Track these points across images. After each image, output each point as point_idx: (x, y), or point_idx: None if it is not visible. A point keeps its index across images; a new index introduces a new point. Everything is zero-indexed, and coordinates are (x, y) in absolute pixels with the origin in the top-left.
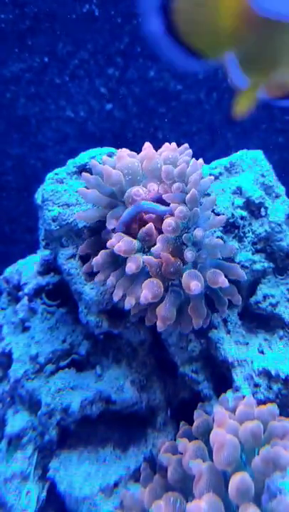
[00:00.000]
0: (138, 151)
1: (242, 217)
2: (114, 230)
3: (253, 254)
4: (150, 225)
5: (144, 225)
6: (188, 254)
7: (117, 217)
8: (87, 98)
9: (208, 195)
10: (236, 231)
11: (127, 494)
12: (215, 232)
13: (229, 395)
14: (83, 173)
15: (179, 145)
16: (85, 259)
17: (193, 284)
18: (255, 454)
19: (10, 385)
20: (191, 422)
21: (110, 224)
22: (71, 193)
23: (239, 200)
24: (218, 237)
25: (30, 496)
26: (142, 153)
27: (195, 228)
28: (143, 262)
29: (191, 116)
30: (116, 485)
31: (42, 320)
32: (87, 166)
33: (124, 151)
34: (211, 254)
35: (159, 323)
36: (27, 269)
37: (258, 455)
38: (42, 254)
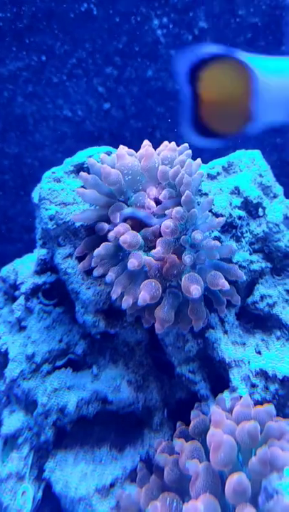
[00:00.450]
0: (136, 150)
1: (240, 217)
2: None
3: (250, 254)
4: (157, 226)
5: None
6: (187, 258)
7: (119, 210)
8: (85, 97)
9: (206, 195)
10: (234, 231)
11: (123, 495)
12: (213, 232)
13: (226, 395)
14: (81, 173)
15: (177, 145)
16: (82, 259)
17: (194, 288)
18: (252, 454)
19: (6, 384)
20: (187, 422)
21: (115, 218)
22: (68, 191)
23: (237, 200)
24: (215, 236)
25: (26, 496)
26: (140, 151)
27: (193, 230)
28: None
29: None
30: (112, 485)
31: (38, 319)
32: (85, 165)
33: (123, 149)
34: (209, 255)
35: (157, 326)
36: (24, 269)
37: (254, 456)
38: (39, 253)
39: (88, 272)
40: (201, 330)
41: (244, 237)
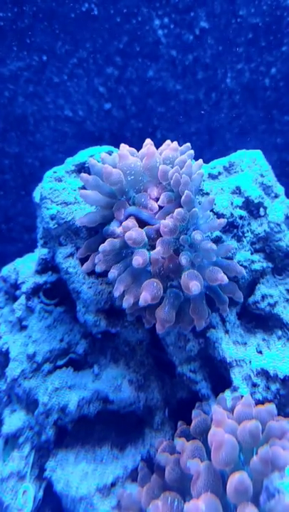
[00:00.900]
0: (137, 150)
1: (241, 217)
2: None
3: (251, 254)
4: (159, 225)
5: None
6: (183, 259)
7: (124, 207)
8: (86, 97)
9: (208, 194)
10: (235, 231)
11: (125, 494)
12: (214, 231)
13: (227, 394)
14: (82, 174)
15: (179, 145)
16: (83, 259)
17: (193, 284)
18: (254, 453)
19: (7, 384)
20: (188, 421)
21: (120, 215)
22: (70, 191)
23: (238, 200)
24: (217, 236)
25: (27, 495)
26: (142, 150)
27: (194, 229)
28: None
29: (189, 116)
30: (113, 485)
31: (39, 319)
32: (86, 165)
33: (125, 148)
34: (206, 257)
35: (158, 326)
36: (25, 268)
37: (256, 455)
38: (40, 252)
39: (89, 272)
40: (203, 329)
41: (245, 237)
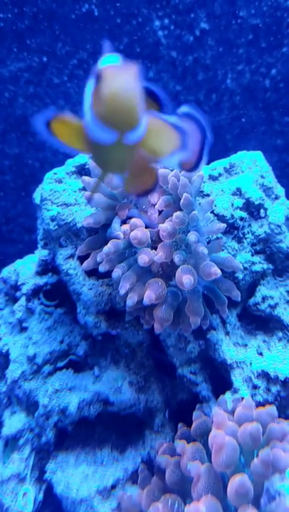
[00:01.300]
0: None
1: (241, 218)
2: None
3: (252, 255)
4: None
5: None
6: (176, 257)
7: (127, 208)
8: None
9: (208, 196)
10: (236, 232)
11: (125, 496)
12: None
13: (228, 396)
14: (83, 177)
15: None
16: (83, 259)
17: (185, 278)
18: (254, 456)
19: (7, 385)
20: (189, 423)
21: (123, 215)
22: (70, 192)
23: (239, 201)
24: (217, 237)
25: (27, 497)
26: None
27: (194, 230)
28: None
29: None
30: (113, 487)
31: (40, 320)
32: (86, 166)
33: None
34: (199, 259)
35: (156, 325)
36: (25, 269)
37: (256, 457)
38: (40, 254)
39: (90, 273)
40: (203, 331)
41: (246, 238)
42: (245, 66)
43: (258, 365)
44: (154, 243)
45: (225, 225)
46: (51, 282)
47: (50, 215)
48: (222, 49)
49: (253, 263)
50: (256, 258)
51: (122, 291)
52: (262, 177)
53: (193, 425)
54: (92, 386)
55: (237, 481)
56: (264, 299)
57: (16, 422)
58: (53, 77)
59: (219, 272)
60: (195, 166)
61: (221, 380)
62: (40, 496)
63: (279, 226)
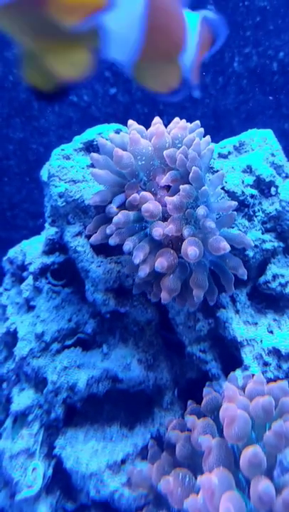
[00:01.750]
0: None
1: (252, 196)
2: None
3: (262, 233)
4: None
5: None
6: (186, 231)
7: (136, 189)
8: (91, 82)
9: (218, 172)
10: (246, 210)
11: (135, 471)
12: None
13: (238, 373)
14: (92, 154)
15: None
16: (91, 234)
17: (191, 249)
18: (266, 429)
19: (15, 362)
20: (198, 401)
21: (131, 194)
22: (78, 169)
23: (249, 179)
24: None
25: (36, 472)
26: (151, 129)
27: (204, 205)
28: None
29: (196, 100)
30: (123, 462)
31: (47, 299)
32: (94, 142)
33: (134, 125)
34: (208, 234)
35: (163, 294)
36: (31, 249)
37: (269, 430)
38: (47, 233)
39: (98, 251)
40: (212, 309)
41: (256, 216)
42: (253, 49)
43: (268, 342)
44: (164, 220)
45: (236, 203)
46: (58, 261)
47: (58, 191)
48: (229, 31)
49: (264, 241)
50: (267, 236)
51: (137, 261)
52: (272, 155)
53: (204, 401)
54: (101, 363)
55: (250, 452)
56: (275, 277)
57: (24, 398)
58: None
59: (228, 246)
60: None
61: (230, 358)
62: (50, 472)
63: None
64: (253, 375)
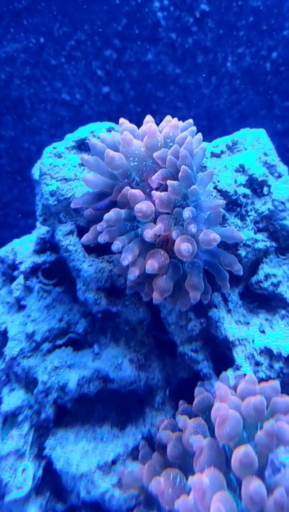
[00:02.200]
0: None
1: (244, 195)
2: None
3: (255, 233)
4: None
5: None
6: (174, 233)
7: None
8: (84, 80)
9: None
10: (238, 209)
11: (126, 471)
12: None
13: (230, 373)
14: (82, 155)
15: None
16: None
17: (184, 245)
18: (258, 429)
19: (5, 363)
20: (190, 401)
21: (117, 196)
22: (70, 167)
23: (242, 178)
24: None
25: (26, 473)
26: (142, 128)
27: (194, 207)
28: None
29: (189, 100)
30: (114, 462)
31: (38, 298)
32: (86, 141)
33: (125, 124)
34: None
35: (155, 295)
36: (23, 248)
37: (260, 430)
38: (38, 232)
39: (90, 250)
40: (204, 309)
41: (249, 216)
42: (246, 49)
43: (260, 342)
44: (155, 221)
45: (224, 201)
46: (50, 261)
47: (50, 190)
48: (222, 31)
49: (256, 240)
50: (259, 236)
51: (125, 262)
52: (265, 154)
53: (195, 401)
54: (92, 363)
55: (242, 452)
56: (267, 277)
57: (14, 398)
58: (50, 58)
59: (218, 237)
60: None
61: (222, 358)
62: (40, 472)
63: (283, 203)
64: (244, 374)
